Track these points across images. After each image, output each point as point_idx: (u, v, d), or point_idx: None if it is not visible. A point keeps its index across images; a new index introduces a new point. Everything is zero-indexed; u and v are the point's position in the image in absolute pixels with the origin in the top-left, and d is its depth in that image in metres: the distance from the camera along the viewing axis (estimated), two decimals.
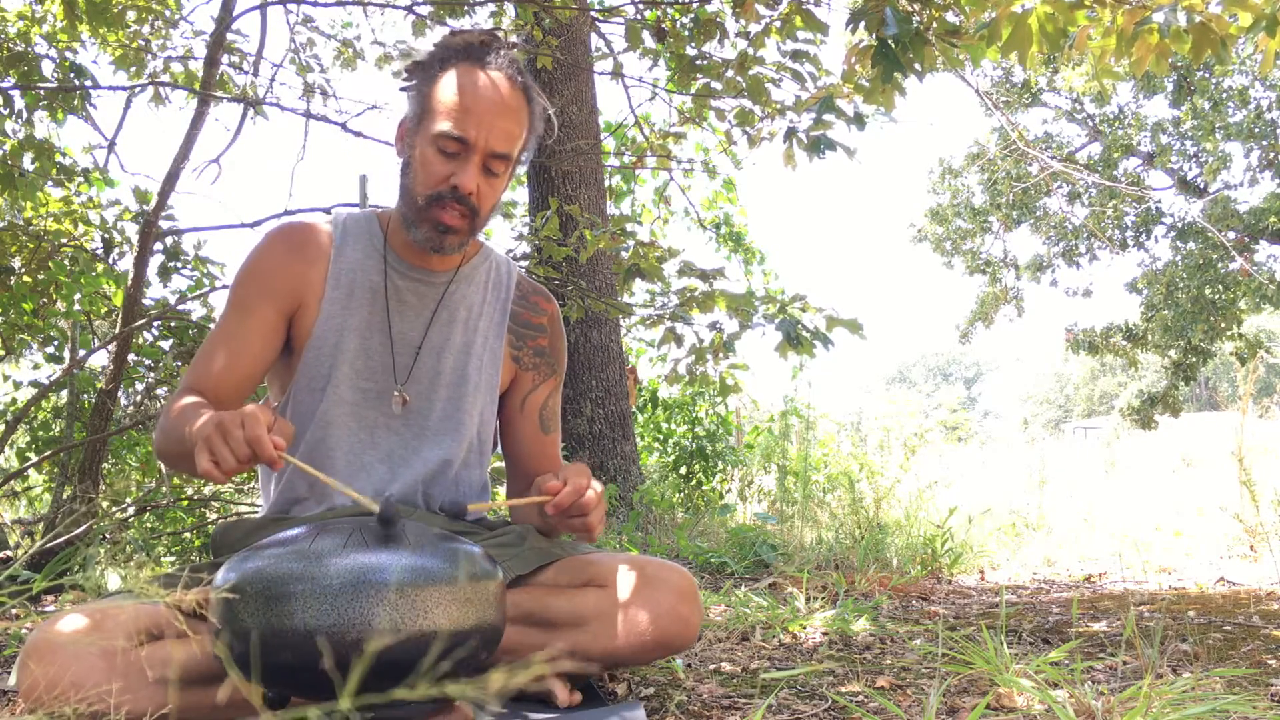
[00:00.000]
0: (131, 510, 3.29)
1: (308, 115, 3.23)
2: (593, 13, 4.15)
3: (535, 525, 1.55)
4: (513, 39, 1.54)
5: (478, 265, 1.62)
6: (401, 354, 1.55)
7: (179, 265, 3.32)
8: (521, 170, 1.63)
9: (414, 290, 1.56)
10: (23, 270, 3.25)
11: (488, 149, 1.43)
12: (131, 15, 3.57)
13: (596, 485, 1.38)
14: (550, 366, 1.67)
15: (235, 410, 1.21)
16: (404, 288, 1.56)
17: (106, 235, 3.38)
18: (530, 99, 1.49)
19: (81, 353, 3.44)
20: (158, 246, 3.18)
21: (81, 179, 3.35)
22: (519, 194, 6.49)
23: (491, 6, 4.00)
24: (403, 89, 1.51)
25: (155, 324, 3.27)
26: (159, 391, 3.50)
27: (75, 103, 3.18)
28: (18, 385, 3.76)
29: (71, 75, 3.16)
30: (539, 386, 1.66)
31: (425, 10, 3.38)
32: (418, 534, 1.16)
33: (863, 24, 2.27)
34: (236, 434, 1.18)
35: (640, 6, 3.37)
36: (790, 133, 2.83)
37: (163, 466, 3.11)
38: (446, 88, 1.44)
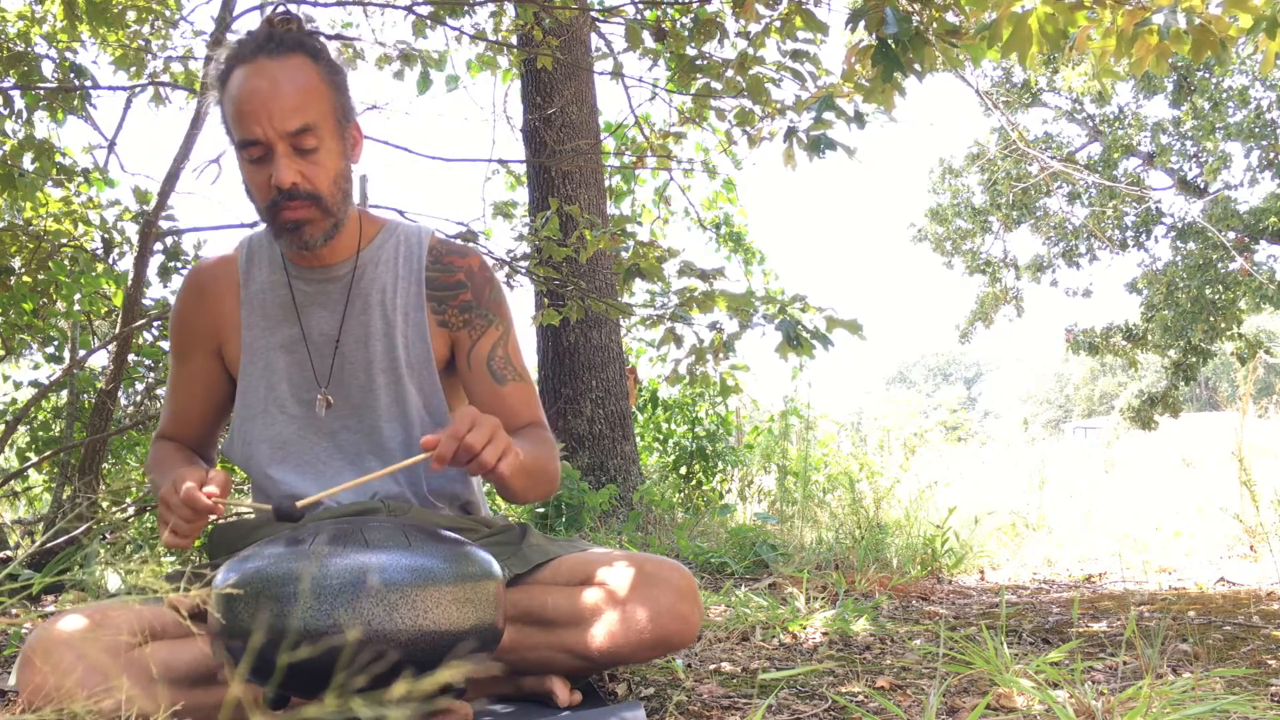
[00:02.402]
0: (131, 510, 3.29)
1: None
2: (593, 13, 4.15)
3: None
4: (272, 11, 1.47)
5: (382, 244, 1.58)
6: (322, 356, 1.54)
7: (179, 265, 3.32)
8: (352, 116, 1.52)
9: (321, 290, 1.54)
10: (23, 270, 3.25)
11: (281, 134, 1.37)
12: (131, 15, 3.57)
13: (485, 421, 1.28)
14: (485, 318, 1.58)
15: (170, 478, 1.30)
16: (310, 292, 1.54)
17: (106, 235, 3.38)
18: (310, 52, 1.41)
19: (81, 353, 3.44)
20: (158, 246, 3.18)
21: (81, 179, 3.35)
22: (519, 194, 6.49)
23: (491, 6, 4.00)
24: (222, 120, 1.46)
25: (155, 324, 3.27)
26: (159, 391, 3.50)
27: (75, 103, 3.17)
28: (18, 385, 3.76)
29: (71, 75, 3.16)
30: (478, 341, 1.57)
31: (425, 10, 3.38)
32: (417, 534, 1.16)
33: (862, 23, 2.27)
34: (174, 501, 1.27)
35: (640, 6, 3.37)
36: (790, 132, 2.83)
37: None
38: (226, 100, 1.41)
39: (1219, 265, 12.93)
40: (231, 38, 1.50)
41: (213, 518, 1.32)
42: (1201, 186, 13.69)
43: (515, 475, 1.33)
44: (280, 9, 1.45)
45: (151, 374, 3.45)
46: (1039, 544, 4.18)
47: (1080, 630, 2.14)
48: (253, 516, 1.58)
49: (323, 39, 1.47)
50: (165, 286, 3.39)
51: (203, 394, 1.59)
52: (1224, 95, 13.08)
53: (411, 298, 1.57)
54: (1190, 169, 13.98)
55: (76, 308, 3.40)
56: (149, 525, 3.42)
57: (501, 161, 5.27)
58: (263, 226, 1.59)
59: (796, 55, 2.94)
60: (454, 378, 1.62)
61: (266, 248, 1.58)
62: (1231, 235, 12.40)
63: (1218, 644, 1.93)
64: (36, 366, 3.74)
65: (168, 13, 3.66)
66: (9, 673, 1.63)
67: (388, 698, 0.64)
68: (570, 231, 3.95)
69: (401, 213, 2.90)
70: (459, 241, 1.72)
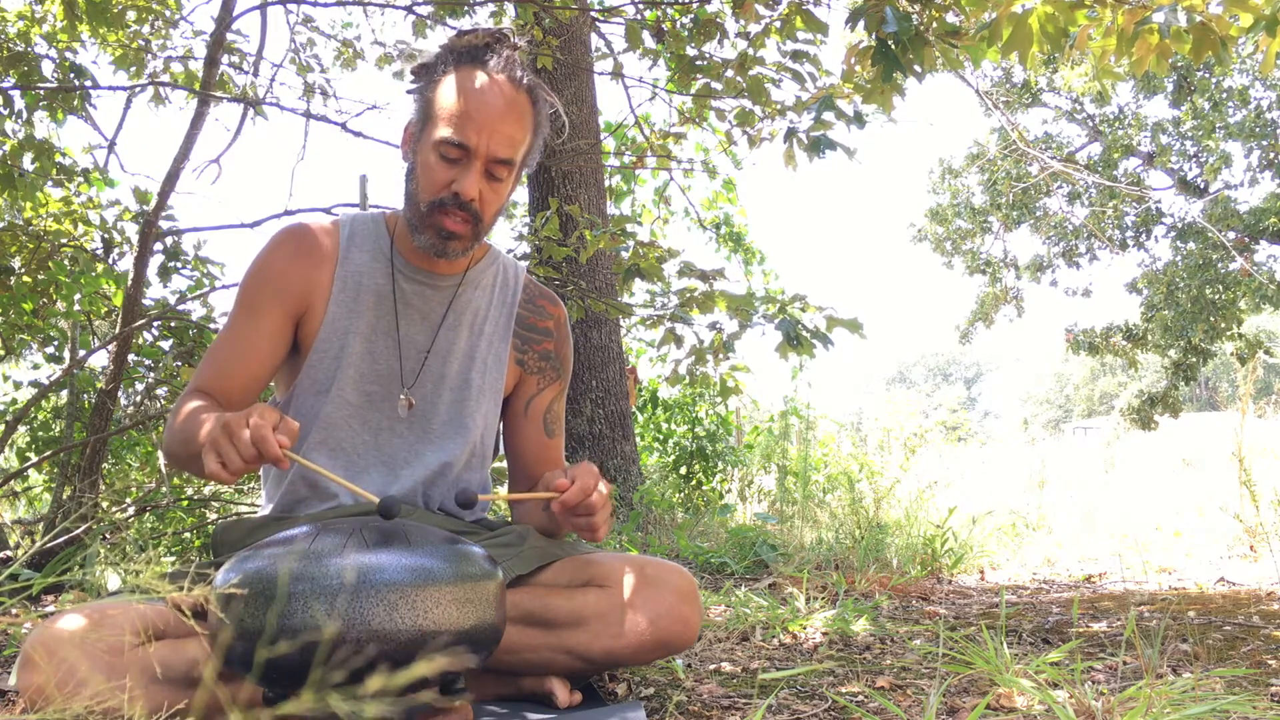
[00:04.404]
0: (131, 510, 3.29)
1: (308, 115, 3.23)
2: (593, 13, 4.15)
3: (540, 524, 1.55)
4: (520, 41, 1.50)
5: (484, 269, 1.61)
6: (409, 358, 1.55)
7: (179, 265, 3.32)
8: (527, 172, 1.57)
9: (420, 294, 1.55)
10: (23, 270, 3.25)
11: (489, 155, 1.41)
12: (131, 15, 3.57)
13: (603, 487, 1.37)
14: (555, 371, 1.66)
15: (241, 411, 1.22)
16: (410, 291, 1.55)
17: (106, 235, 3.38)
18: (535, 100, 1.47)
19: (81, 353, 3.44)
20: (158, 246, 3.18)
21: (81, 179, 3.35)
22: (519, 194, 6.49)
23: (491, 6, 4.00)
24: (408, 92, 1.49)
25: (155, 324, 3.27)
26: (159, 391, 3.50)
27: (75, 103, 3.17)
28: (18, 385, 3.76)
29: (71, 75, 3.16)
30: (543, 391, 1.65)
31: (425, 10, 3.38)
32: (418, 534, 1.16)
33: (862, 23, 2.27)
34: (242, 434, 1.19)
35: (640, 6, 3.37)
36: (790, 133, 2.83)
37: (163, 466, 3.11)
38: (448, 92, 1.42)
39: (1219, 265, 12.94)
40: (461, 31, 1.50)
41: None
42: (1201, 186, 13.70)
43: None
44: (508, 38, 1.47)
45: (151, 374, 3.45)
46: (1039, 544, 4.18)
47: (1080, 630, 2.14)
48: (255, 515, 1.57)
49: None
50: (165, 286, 3.39)
51: (263, 353, 1.52)
52: (1224, 95, 13.08)
53: (500, 328, 1.61)
54: (1190, 169, 13.99)
55: (76, 308, 3.40)
56: (149, 525, 3.42)
57: None
58: (358, 212, 1.63)
59: (796, 56, 2.94)
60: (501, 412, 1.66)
61: (371, 234, 1.58)
62: (1231, 235, 12.40)
63: (1218, 644, 1.93)
64: (36, 366, 3.74)
65: (168, 13, 3.66)
66: (9, 673, 1.63)
67: (373, 691, 0.64)
68: (570, 231, 3.95)
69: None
70: (547, 287, 1.75)
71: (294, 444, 1.24)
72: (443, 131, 1.41)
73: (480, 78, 1.42)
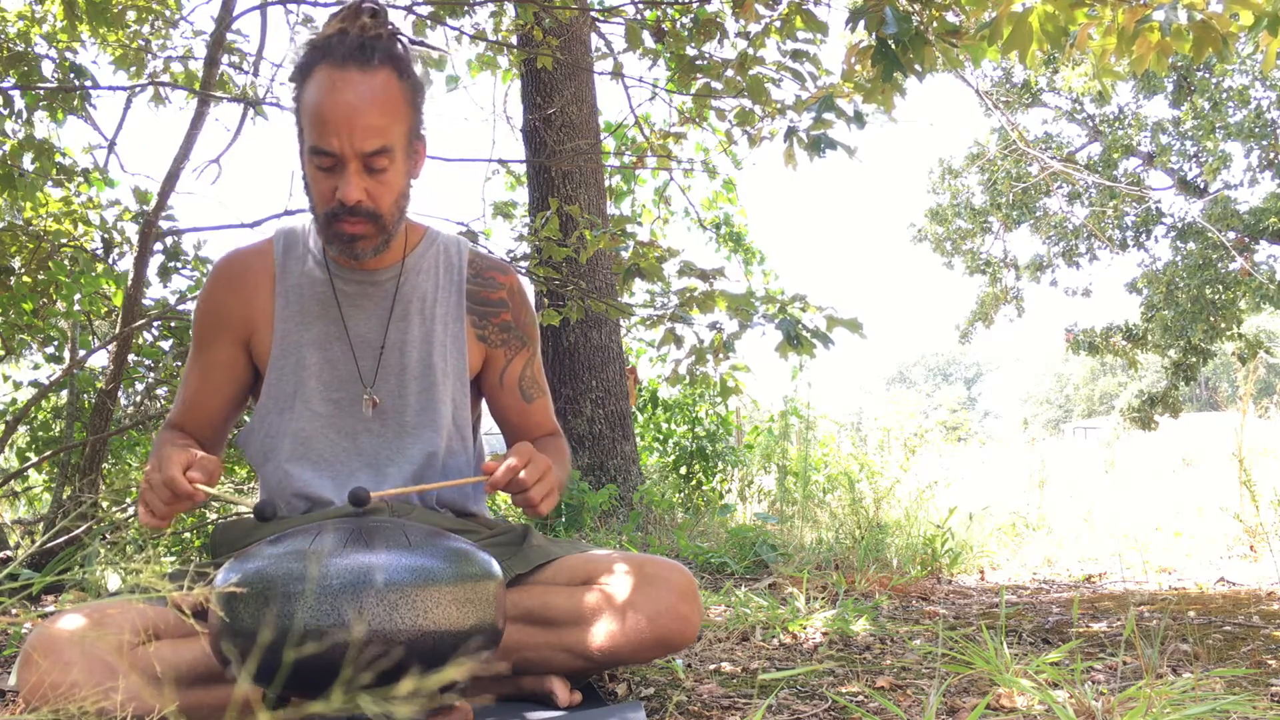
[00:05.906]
0: (131, 510, 3.29)
1: None
2: (593, 13, 4.15)
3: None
4: (369, 12, 1.41)
5: (424, 253, 1.59)
6: (365, 358, 1.54)
7: (179, 265, 3.31)
8: (425, 138, 1.53)
9: (363, 292, 1.54)
10: (23, 270, 3.24)
11: (357, 153, 1.36)
12: (131, 15, 3.57)
13: (540, 460, 1.36)
14: (520, 340, 1.63)
15: (157, 457, 1.31)
16: (353, 292, 1.54)
17: (106, 235, 3.38)
18: (398, 69, 1.39)
19: (81, 353, 3.44)
20: (158, 246, 3.18)
21: (81, 179, 3.35)
22: (519, 194, 6.49)
23: (491, 6, 4.00)
24: (293, 99, 1.44)
25: (155, 324, 3.27)
26: (159, 391, 3.50)
27: (75, 103, 3.17)
28: (18, 385, 3.75)
29: (71, 75, 3.15)
30: (512, 360, 1.63)
31: (425, 10, 3.38)
32: (418, 534, 1.16)
33: (862, 23, 2.27)
34: (156, 480, 1.27)
35: (640, 6, 3.37)
36: (790, 132, 2.83)
37: None
38: (306, 99, 1.38)
39: (1219, 265, 12.93)
40: (312, 29, 1.47)
41: (216, 514, 1.32)
42: (1201, 186, 13.70)
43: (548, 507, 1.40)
44: (366, 4, 1.41)
45: (151, 374, 3.45)
46: (1039, 544, 4.18)
47: (1080, 630, 2.14)
48: (254, 515, 1.57)
49: (406, 44, 1.44)
50: (165, 286, 3.39)
51: (221, 384, 1.56)
52: (1224, 95, 13.08)
53: (451, 308, 1.58)
54: (1190, 169, 13.98)
55: (76, 308, 3.39)
56: None
57: (501, 161, 5.28)
58: (297, 217, 1.63)
59: (796, 55, 2.94)
60: (476, 387, 1.65)
61: (306, 241, 1.57)
62: (1231, 235, 12.40)
63: (1218, 644, 1.93)
64: (36, 366, 3.74)
65: (168, 13, 3.66)
66: (9, 673, 1.63)
67: (393, 696, 0.64)
68: (570, 231, 3.95)
69: None
70: (496, 256, 1.73)
71: (214, 478, 1.31)
72: (310, 142, 1.38)
73: (333, 76, 1.35)
